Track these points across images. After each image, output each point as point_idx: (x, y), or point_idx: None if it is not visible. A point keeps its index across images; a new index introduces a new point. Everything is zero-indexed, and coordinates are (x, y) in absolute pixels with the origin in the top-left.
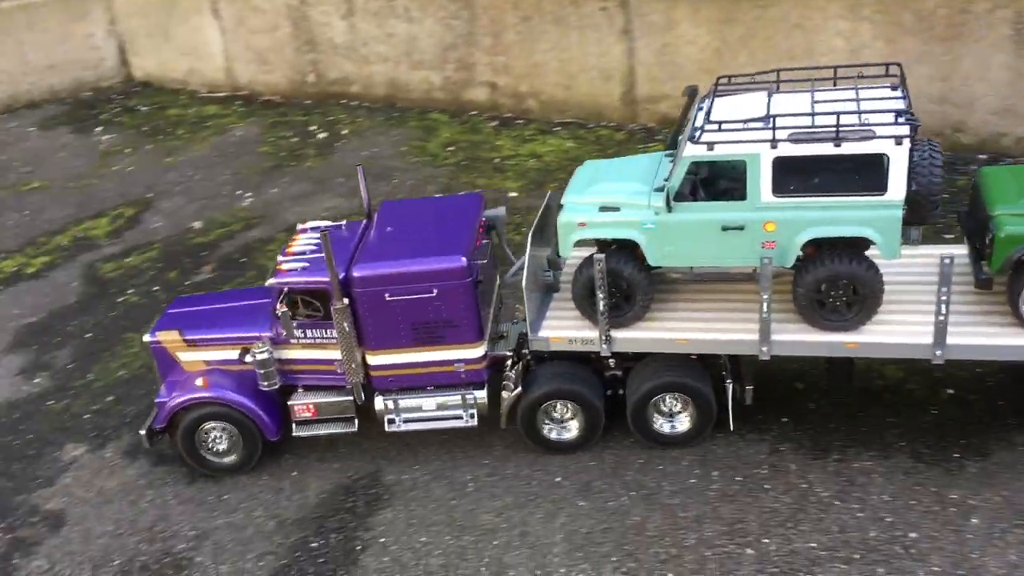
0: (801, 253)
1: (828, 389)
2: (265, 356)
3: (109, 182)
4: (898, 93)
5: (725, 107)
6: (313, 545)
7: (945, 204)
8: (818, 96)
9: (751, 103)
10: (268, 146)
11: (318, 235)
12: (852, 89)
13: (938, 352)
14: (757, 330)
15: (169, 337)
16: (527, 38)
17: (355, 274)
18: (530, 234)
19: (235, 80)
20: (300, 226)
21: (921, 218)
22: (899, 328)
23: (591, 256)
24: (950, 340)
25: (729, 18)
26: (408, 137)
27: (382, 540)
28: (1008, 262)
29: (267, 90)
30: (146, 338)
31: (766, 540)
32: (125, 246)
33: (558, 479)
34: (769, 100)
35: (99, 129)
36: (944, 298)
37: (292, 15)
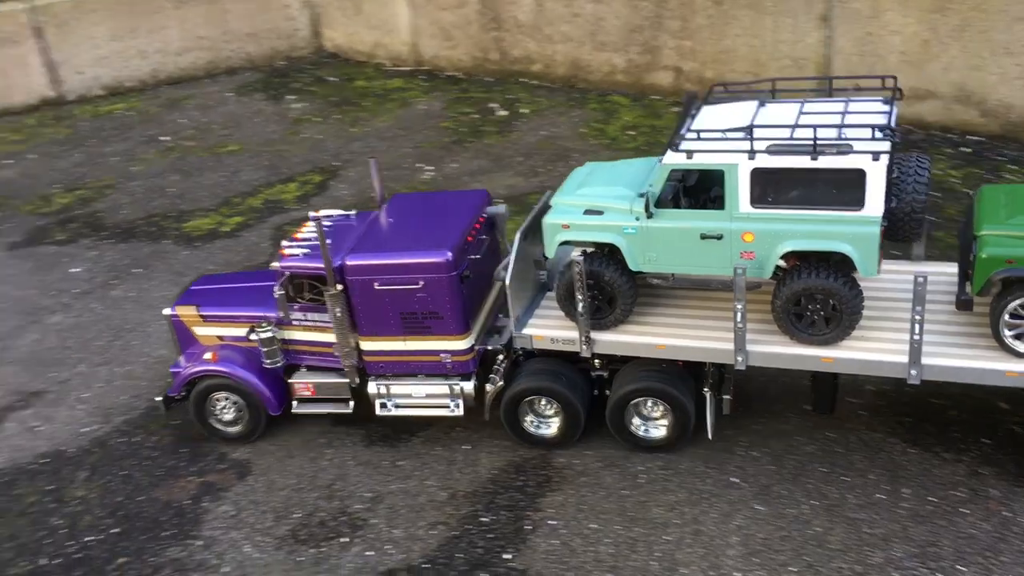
0: (785, 264)
1: (813, 405)
2: (268, 335)
3: (299, 148)
4: (886, 108)
5: (712, 116)
6: (483, 520)
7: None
8: (807, 108)
9: (739, 112)
10: (449, 121)
11: (326, 223)
12: (843, 102)
13: (913, 372)
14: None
15: (187, 312)
16: (717, 22)
17: (348, 262)
18: (518, 233)
19: (419, 55)
20: (312, 214)
21: (904, 236)
22: (877, 345)
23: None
24: (926, 360)
25: (942, 7)
26: (587, 119)
27: (551, 522)
28: (989, 284)
29: (450, 66)
30: (166, 311)
31: (961, 567)
32: (311, 210)
33: (734, 479)
34: (757, 110)
35: (291, 97)
36: (919, 317)
37: None
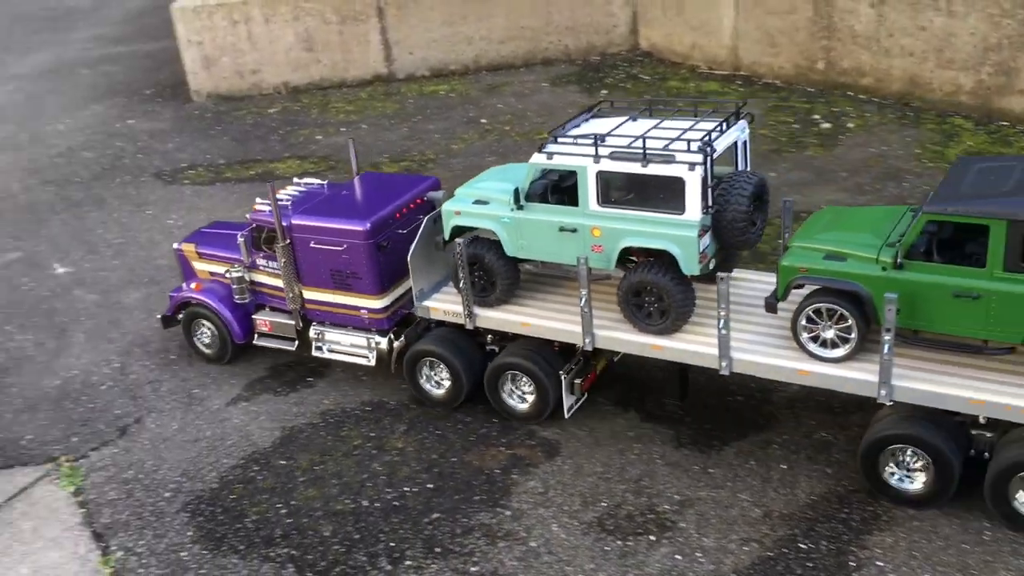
0: (636, 259)
1: (671, 394)
2: (238, 275)
3: None
4: (720, 127)
5: (591, 125)
6: (802, 546)
7: None
8: (664, 124)
9: (607, 124)
10: (768, 129)
11: (300, 188)
12: (693, 120)
13: (723, 363)
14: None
15: (188, 248)
16: None
17: (293, 221)
18: (425, 219)
19: (738, 59)
20: (296, 179)
21: (731, 243)
22: (703, 339)
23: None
24: (734, 355)
25: None
26: (922, 139)
27: (879, 563)
28: (788, 289)
29: (769, 72)
30: (174, 246)
31: None
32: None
33: None
34: (622, 123)
35: (604, 92)
36: (723, 314)
37: None
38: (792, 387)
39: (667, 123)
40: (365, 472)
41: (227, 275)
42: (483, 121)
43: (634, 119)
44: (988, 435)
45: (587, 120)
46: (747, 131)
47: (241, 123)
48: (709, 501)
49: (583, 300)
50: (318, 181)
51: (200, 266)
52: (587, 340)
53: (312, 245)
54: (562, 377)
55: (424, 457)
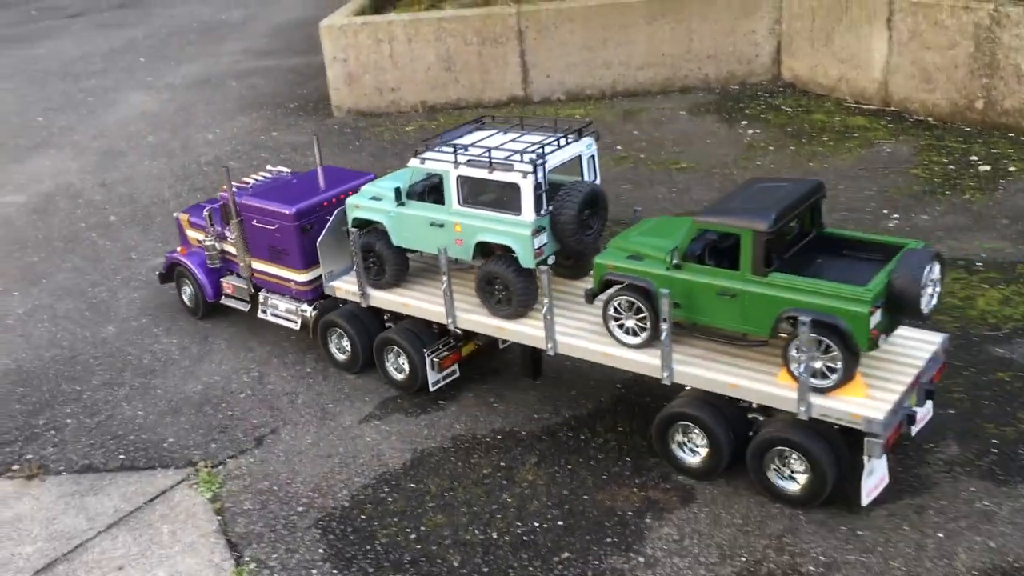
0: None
1: (524, 373)
2: (210, 243)
3: (751, 175)
4: (560, 141)
5: (467, 137)
6: None
7: None
8: (522, 138)
9: (477, 135)
10: (920, 169)
11: (268, 174)
12: (546, 134)
13: (549, 345)
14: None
15: (183, 217)
16: None
17: (242, 201)
18: (337, 211)
19: (888, 94)
20: (268, 167)
21: (566, 247)
22: (533, 324)
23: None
24: (558, 338)
25: None
26: None
27: None
28: (602, 284)
29: (922, 109)
30: (174, 215)
31: None
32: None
33: None
34: (490, 135)
35: (744, 123)
36: (547, 302)
37: (978, 35)
38: (951, 449)
39: (525, 137)
40: (495, 503)
41: (203, 243)
42: (618, 148)
43: (504, 132)
44: (761, 418)
45: (469, 131)
46: (594, 147)
47: (379, 140)
48: (858, 566)
49: (444, 285)
50: (287, 170)
51: (191, 233)
52: (450, 321)
53: (254, 223)
54: (426, 354)
55: (555, 492)
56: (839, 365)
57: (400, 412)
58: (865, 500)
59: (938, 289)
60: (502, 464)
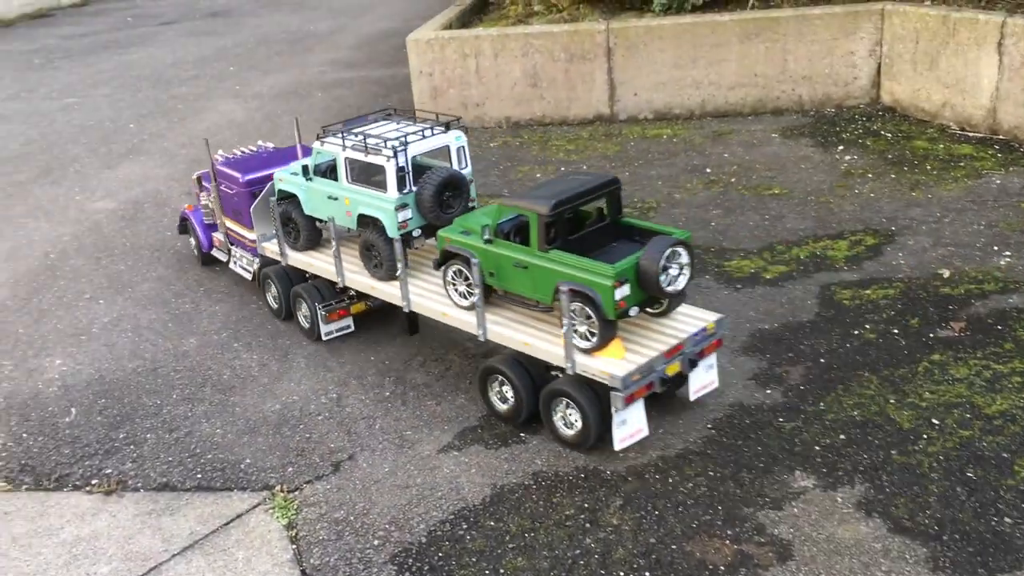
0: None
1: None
2: (204, 202)
3: (848, 204)
4: (425, 132)
5: (367, 125)
6: None
7: None
8: (403, 128)
9: (374, 125)
10: None
11: (253, 148)
12: (421, 126)
13: (405, 303)
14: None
15: (194, 178)
16: None
17: (216, 167)
18: (269, 184)
19: (997, 122)
20: (259, 142)
21: (427, 219)
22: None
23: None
24: (412, 298)
25: None
26: None
27: None
28: (444, 254)
29: None
30: (193, 175)
31: None
32: (863, 276)
33: None
34: (379, 124)
35: (840, 148)
36: (401, 267)
37: None
38: None
39: (406, 128)
40: (577, 547)
41: (201, 202)
42: (708, 170)
43: (397, 123)
44: (560, 375)
45: (372, 121)
46: (463, 138)
47: None
48: None
49: (334, 248)
50: (271, 145)
51: (201, 193)
52: (340, 279)
53: (222, 187)
54: (317, 307)
55: (641, 539)
56: (596, 330)
57: (479, 443)
58: (618, 446)
59: (686, 273)
60: (585, 505)
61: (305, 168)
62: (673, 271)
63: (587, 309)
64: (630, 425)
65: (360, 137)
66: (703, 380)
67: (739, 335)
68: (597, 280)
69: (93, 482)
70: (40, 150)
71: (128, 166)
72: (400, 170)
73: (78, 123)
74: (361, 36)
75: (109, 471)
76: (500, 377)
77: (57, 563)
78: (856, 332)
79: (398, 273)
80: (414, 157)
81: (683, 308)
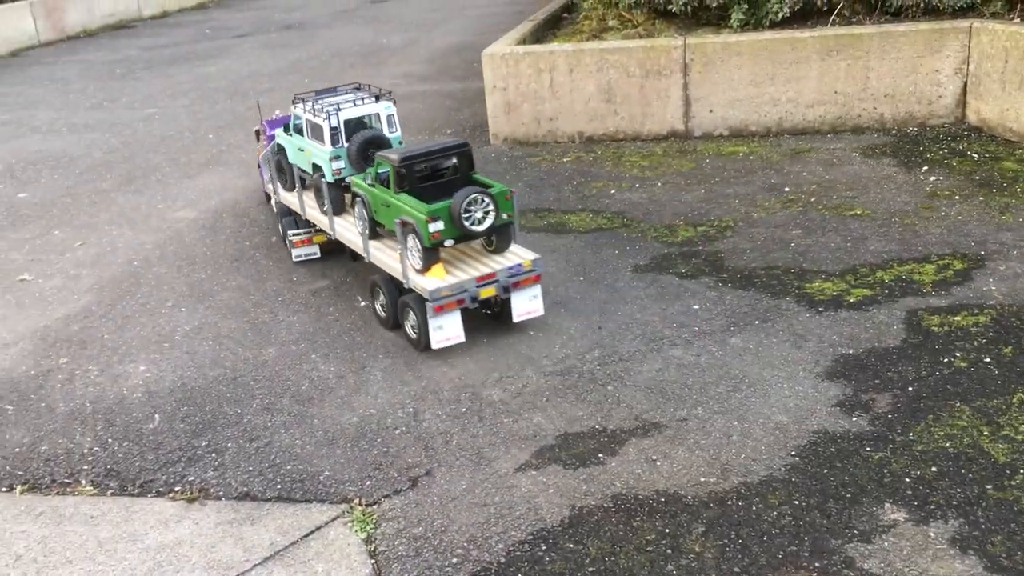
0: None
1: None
2: (264, 152)
3: (934, 226)
4: (357, 101)
5: (333, 95)
6: None
7: None
8: (348, 97)
9: (335, 95)
10: None
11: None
12: (362, 95)
13: (331, 232)
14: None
15: (254, 132)
16: None
17: (263, 123)
18: (274, 139)
19: None
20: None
21: (357, 169)
22: (337, 220)
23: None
24: (337, 229)
25: None
26: None
27: None
28: (352, 194)
29: None
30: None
31: None
32: (953, 301)
33: None
34: (340, 95)
35: (924, 168)
36: (328, 204)
37: None
38: None
39: (347, 97)
40: (659, 574)
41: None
42: (786, 189)
43: (351, 93)
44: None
45: (343, 92)
46: (392, 108)
47: (535, 170)
48: None
49: (297, 188)
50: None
51: (259, 145)
52: (301, 212)
53: (263, 140)
54: (289, 234)
55: (725, 568)
56: (420, 255)
57: (557, 463)
58: (434, 346)
59: (490, 218)
60: (666, 531)
61: (286, 127)
62: (478, 214)
63: (416, 239)
64: (446, 331)
65: (312, 103)
66: (527, 307)
67: (822, 360)
68: (417, 215)
69: (176, 489)
70: (123, 159)
71: (207, 176)
72: (333, 129)
73: (159, 133)
74: (433, 49)
75: (192, 478)
76: (378, 290)
77: (142, 569)
78: (946, 360)
79: (326, 209)
80: (351, 119)
81: (514, 248)
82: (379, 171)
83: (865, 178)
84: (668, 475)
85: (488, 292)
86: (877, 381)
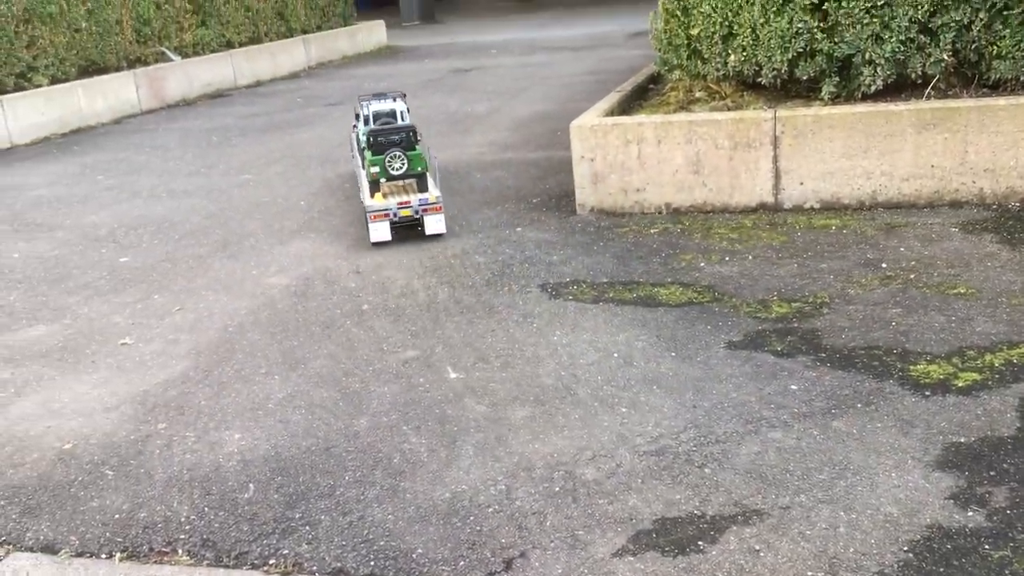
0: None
1: None
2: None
3: None
4: (384, 100)
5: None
6: None
7: None
8: (384, 99)
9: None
10: None
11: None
12: (392, 95)
13: (358, 172)
14: None
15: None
16: None
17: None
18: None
19: None
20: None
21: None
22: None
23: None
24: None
25: None
26: None
27: None
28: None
29: None
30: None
31: None
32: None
33: None
34: (383, 99)
35: None
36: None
37: None
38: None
39: (382, 98)
40: None
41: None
42: (883, 265)
43: (389, 97)
44: None
45: (388, 96)
46: (403, 104)
47: (623, 241)
48: None
49: (356, 159)
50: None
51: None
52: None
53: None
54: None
55: None
56: (368, 186)
57: (655, 550)
58: (372, 240)
59: (403, 168)
60: None
61: (357, 116)
62: (396, 164)
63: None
64: (379, 233)
65: (363, 102)
66: (435, 227)
67: (931, 448)
68: (368, 162)
69: (271, 562)
70: (218, 224)
71: (299, 242)
72: (366, 117)
73: (253, 199)
74: (517, 118)
75: (286, 551)
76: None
77: None
78: None
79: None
80: (378, 111)
81: (431, 190)
82: (368, 141)
83: (967, 255)
84: (773, 567)
85: (406, 212)
86: (992, 473)
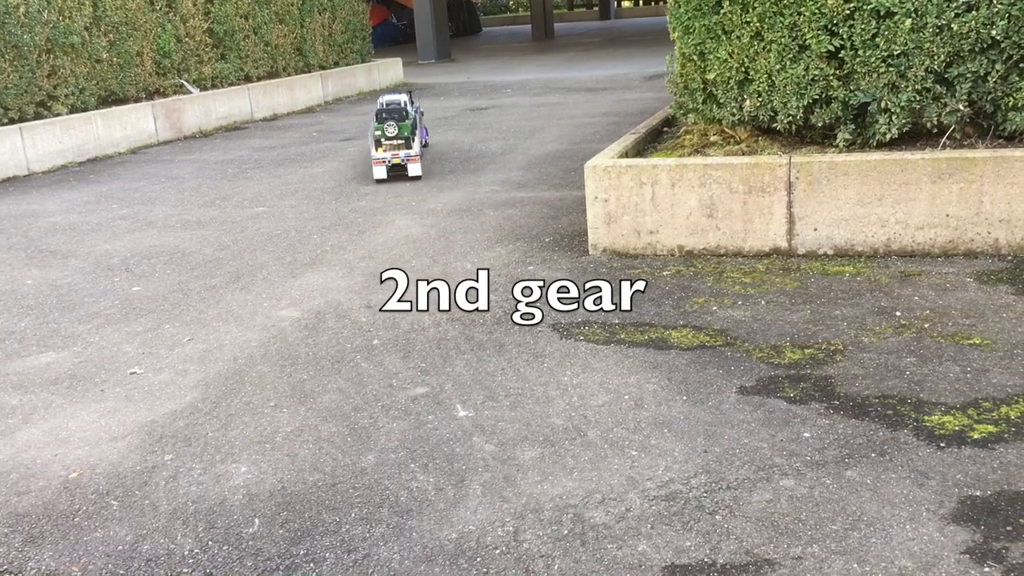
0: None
1: None
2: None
3: None
4: (401, 95)
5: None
6: None
7: None
8: (397, 92)
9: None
10: None
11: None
12: (404, 91)
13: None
14: None
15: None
16: None
17: None
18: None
19: None
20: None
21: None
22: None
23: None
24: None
25: None
26: None
27: None
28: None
29: None
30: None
31: None
32: None
33: None
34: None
35: None
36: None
37: None
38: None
39: (395, 92)
40: None
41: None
42: (897, 314)
43: (400, 92)
44: None
45: (402, 92)
46: (406, 98)
47: (634, 283)
48: None
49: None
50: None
51: None
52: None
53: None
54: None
55: None
56: (373, 146)
57: None
58: (375, 177)
59: (394, 133)
60: None
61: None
62: (390, 131)
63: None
64: (379, 173)
65: (381, 97)
66: (415, 171)
67: (947, 501)
68: (375, 128)
69: None
70: (232, 256)
71: (311, 276)
72: (380, 104)
73: (266, 231)
74: (530, 157)
75: None
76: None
77: None
78: None
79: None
80: (390, 101)
81: (415, 148)
82: (380, 117)
83: (982, 305)
84: None
85: (396, 160)
86: (1009, 528)
